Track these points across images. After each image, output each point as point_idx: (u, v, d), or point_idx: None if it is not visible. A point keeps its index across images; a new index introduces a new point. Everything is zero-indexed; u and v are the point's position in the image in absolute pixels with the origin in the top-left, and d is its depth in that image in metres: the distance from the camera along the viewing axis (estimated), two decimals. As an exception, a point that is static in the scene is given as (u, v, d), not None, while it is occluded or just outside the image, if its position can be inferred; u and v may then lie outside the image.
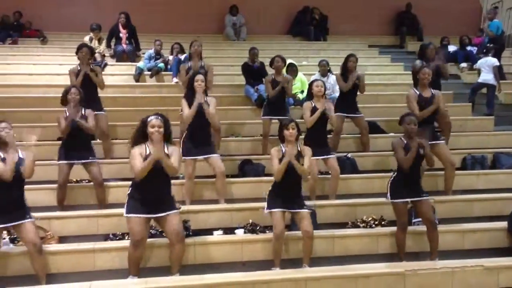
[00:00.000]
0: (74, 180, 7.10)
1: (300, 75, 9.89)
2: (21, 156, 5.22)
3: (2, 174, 5.05)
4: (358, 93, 8.40)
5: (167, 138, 5.27)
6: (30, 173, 5.27)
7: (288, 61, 9.71)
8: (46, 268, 5.37)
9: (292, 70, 9.63)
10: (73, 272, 5.54)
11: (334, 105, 8.45)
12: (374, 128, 9.02)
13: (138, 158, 5.16)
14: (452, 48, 13.08)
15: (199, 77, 6.81)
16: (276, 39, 14.06)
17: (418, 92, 7.14)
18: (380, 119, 9.42)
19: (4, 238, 5.55)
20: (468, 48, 12.96)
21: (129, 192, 5.34)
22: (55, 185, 6.66)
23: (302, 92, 9.54)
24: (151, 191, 5.21)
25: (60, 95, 6.82)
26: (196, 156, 6.76)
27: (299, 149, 5.76)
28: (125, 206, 5.28)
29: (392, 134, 8.64)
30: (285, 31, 14.76)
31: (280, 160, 5.62)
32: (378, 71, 12.22)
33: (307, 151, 5.80)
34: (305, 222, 5.62)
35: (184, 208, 6.21)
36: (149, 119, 5.24)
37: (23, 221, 5.19)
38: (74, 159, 6.64)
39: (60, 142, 6.96)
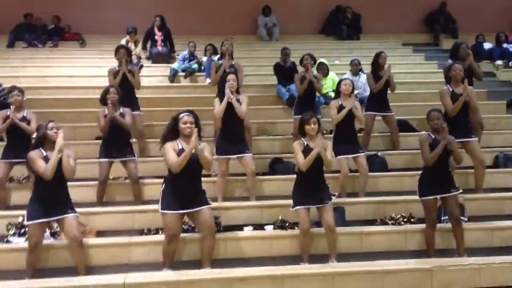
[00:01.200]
0: (111, 177, 7.36)
1: (331, 74, 9.98)
2: (64, 155, 5.40)
3: (44, 173, 5.28)
4: (388, 91, 8.46)
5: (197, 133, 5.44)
6: (72, 174, 5.46)
7: (320, 60, 9.85)
8: (85, 261, 5.63)
9: (323, 69, 9.74)
10: (110, 264, 5.79)
11: (365, 104, 8.57)
12: (406, 126, 9.04)
13: (172, 151, 5.34)
14: (487, 45, 12.93)
15: (231, 76, 6.99)
16: (309, 38, 14.11)
17: (451, 89, 7.17)
18: (412, 117, 9.44)
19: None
20: (504, 45, 12.77)
21: (162, 188, 5.54)
22: (93, 182, 6.96)
23: (333, 91, 9.60)
24: (185, 186, 5.41)
25: (98, 96, 7.13)
26: (230, 155, 6.92)
27: None
28: (160, 202, 5.48)
29: (423, 132, 8.63)
30: (318, 31, 14.83)
31: (303, 152, 5.75)
32: (411, 70, 12.18)
33: (328, 143, 5.90)
34: (327, 216, 5.77)
35: (215, 204, 6.39)
36: (180, 116, 5.45)
37: (65, 216, 5.44)
38: (114, 157, 6.92)
39: (98, 141, 7.29)
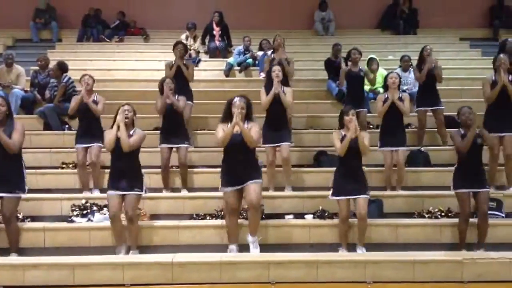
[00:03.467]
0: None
1: (381, 70, 10.11)
2: (122, 131, 6.04)
3: (105, 145, 6.23)
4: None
5: (248, 116, 5.99)
6: (126, 147, 6.02)
7: (370, 56, 10.04)
8: (137, 238, 6.18)
9: (373, 64, 9.90)
10: (161, 245, 6.36)
11: (415, 99, 8.74)
12: (452, 122, 9.07)
13: (221, 130, 5.98)
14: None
15: (276, 67, 7.39)
16: (365, 33, 14.17)
17: (494, 78, 7.32)
18: (462, 114, 9.44)
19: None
20: None
21: (221, 170, 6.11)
22: (149, 170, 7.42)
23: (382, 86, 9.77)
24: (234, 164, 5.96)
25: (157, 89, 7.70)
26: (274, 143, 7.24)
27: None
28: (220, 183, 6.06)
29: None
30: (374, 25, 14.87)
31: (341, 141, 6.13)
32: (466, 65, 12.10)
33: (365, 134, 6.22)
34: (359, 206, 6.10)
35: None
36: (234, 100, 5.99)
37: (129, 193, 6.05)
38: (171, 143, 7.47)
39: (156, 131, 7.89)
